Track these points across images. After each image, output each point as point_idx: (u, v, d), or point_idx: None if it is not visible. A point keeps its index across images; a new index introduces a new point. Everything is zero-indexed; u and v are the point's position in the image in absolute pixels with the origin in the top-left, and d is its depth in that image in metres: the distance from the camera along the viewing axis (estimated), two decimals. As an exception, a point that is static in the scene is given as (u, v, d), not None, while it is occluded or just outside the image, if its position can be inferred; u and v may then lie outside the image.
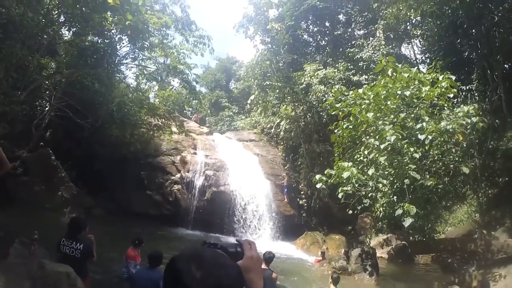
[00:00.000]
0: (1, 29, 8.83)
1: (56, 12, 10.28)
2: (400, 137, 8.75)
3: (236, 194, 16.69)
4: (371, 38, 19.25)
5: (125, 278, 6.90)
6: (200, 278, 0.95)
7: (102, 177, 14.35)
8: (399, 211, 8.34)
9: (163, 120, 16.83)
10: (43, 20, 9.24)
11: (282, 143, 20.63)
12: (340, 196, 9.79)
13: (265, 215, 16.67)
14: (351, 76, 17.48)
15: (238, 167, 17.78)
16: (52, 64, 12.59)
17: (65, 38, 13.26)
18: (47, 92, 13.20)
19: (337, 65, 18.40)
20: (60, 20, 10.73)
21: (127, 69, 18.14)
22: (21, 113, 9.83)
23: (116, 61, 14.05)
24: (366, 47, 18.47)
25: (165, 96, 18.19)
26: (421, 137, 8.41)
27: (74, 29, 12.01)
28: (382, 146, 9.03)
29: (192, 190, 16.71)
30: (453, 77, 8.86)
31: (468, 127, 8.08)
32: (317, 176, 9.77)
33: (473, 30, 12.64)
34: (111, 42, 12.83)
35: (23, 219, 8.10)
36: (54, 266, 4.20)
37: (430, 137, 8.12)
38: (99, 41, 12.93)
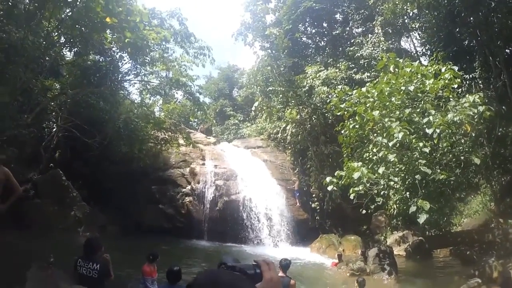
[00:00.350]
0: (3, 54, 9.01)
1: (56, 33, 10.48)
2: (408, 132, 8.66)
3: (247, 202, 16.65)
4: (369, 35, 19.19)
5: (143, 294, 6.89)
6: None
7: (114, 194, 14.47)
8: (413, 208, 8.22)
9: (170, 133, 16.95)
10: (44, 42, 9.42)
11: (289, 147, 20.57)
12: (352, 197, 9.68)
13: (278, 221, 16.58)
14: (353, 75, 17.40)
15: (247, 175, 17.77)
16: (56, 85, 12.82)
17: (67, 58, 13.51)
18: (53, 113, 13.44)
19: (338, 65, 18.35)
20: (61, 41, 10.95)
21: (130, 85, 18.46)
22: (29, 136, 9.99)
23: (119, 78, 14.26)
24: (365, 45, 18.40)
25: (170, 109, 18.37)
26: (429, 131, 8.30)
27: (75, 49, 12.25)
28: (390, 144, 8.93)
29: (203, 201, 16.73)
30: (456, 68, 8.75)
31: (475, 117, 7.96)
32: (328, 179, 9.69)
33: (471, 18, 12.49)
34: (112, 60, 13.04)
35: (38, 241, 8.17)
36: (72, 290, 4.20)
37: (438, 130, 8.01)
38: (101, 60, 13.15)
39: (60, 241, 9.40)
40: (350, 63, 18.19)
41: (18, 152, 7.35)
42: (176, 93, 19.78)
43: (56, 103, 12.55)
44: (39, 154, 12.27)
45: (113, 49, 12.00)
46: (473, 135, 8.72)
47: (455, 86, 8.76)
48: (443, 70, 8.75)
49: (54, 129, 13.48)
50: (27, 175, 10.57)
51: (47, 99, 11.48)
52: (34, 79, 9.90)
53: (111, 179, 14.29)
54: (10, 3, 9.41)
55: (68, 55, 13.72)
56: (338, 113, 11.62)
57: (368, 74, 16.69)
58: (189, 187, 17.19)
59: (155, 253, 7.29)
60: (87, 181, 14.01)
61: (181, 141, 17.51)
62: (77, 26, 9.07)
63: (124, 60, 13.80)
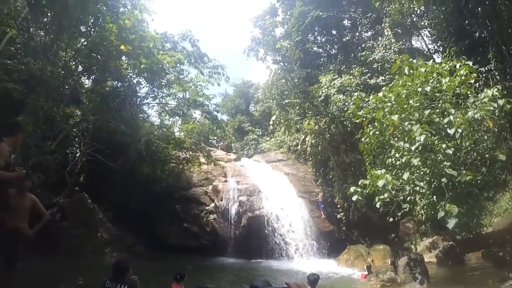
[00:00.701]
0: (24, 85, 9.56)
1: (74, 63, 11.07)
2: (429, 134, 8.41)
3: (271, 216, 16.53)
4: (380, 38, 19.02)
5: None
6: None
7: (140, 214, 14.74)
8: (441, 213, 7.89)
9: (191, 152, 17.23)
10: (63, 72, 9.94)
11: (310, 158, 20.38)
12: (378, 205, 9.40)
13: (304, 234, 16.32)
14: (368, 80, 17.21)
15: (270, 189, 17.72)
16: (77, 112, 13.42)
17: (86, 86, 14.17)
18: (76, 139, 14.01)
19: (351, 71, 18.24)
20: (79, 70, 11.51)
21: (149, 108, 19.03)
22: (53, 162, 10.45)
23: (138, 102, 14.76)
24: (377, 48, 18.22)
25: (189, 129, 18.75)
26: (451, 131, 8.02)
27: (93, 77, 12.83)
28: (413, 148, 8.69)
29: (228, 218, 16.75)
30: (470, 62, 8.50)
31: (495, 111, 7.63)
32: (352, 189, 9.47)
33: (479, 9, 12.14)
34: (130, 85, 13.54)
35: (66, 264, 8.40)
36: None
37: (459, 130, 7.73)
38: (119, 85, 13.69)
39: (87, 263, 9.63)
40: (363, 68, 18.03)
41: (43, 178, 7.69)
42: (194, 112, 20.25)
43: (78, 129, 13.09)
44: (64, 179, 12.75)
45: (130, 74, 12.46)
46: (496, 130, 8.34)
47: (472, 81, 8.48)
48: (457, 66, 8.52)
49: (78, 154, 14.02)
50: (53, 199, 10.98)
51: (69, 126, 12.01)
52: (55, 108, 10.43)
53: (136, 200, 14.60)
54: (27, 36, 10.03)
55: (87, 82, 14.40)
56: (357, 121, 11.45)
57: (383, 78, 16.48)
58: (212, 204, 17.29)
59: (182, 272, 7.29)
60: (112, 203, 14.37)
61: (202, 160, 17.74)
62: (93, 54, 9.55)
63: (142, 84, 14.34)
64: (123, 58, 10.18)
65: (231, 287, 10.65)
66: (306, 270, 12.32)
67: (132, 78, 13.44)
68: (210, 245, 16.01)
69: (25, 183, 5.42)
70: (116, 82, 13.85)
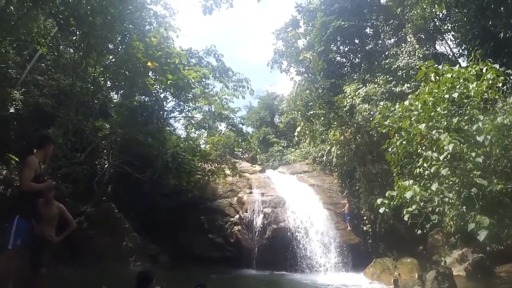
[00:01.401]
0: (54, 99, 10.18)
1: (102, 78, 11.63)
2: (458, 143, 8.11)
3: (296, 228, 16.34)
4: (403, 45, 18.64)
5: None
6: None
7: (165, 225, 15.05)
8: (471, 225, 7.51)
9: (216, 164, 17.46)
10: (92, 87, 10.48)
11: (336, 170, 20.06)
12: (406, 218, 9.07)
13: (329, 247, 15.97)
14: (393, 88, 16.81)
15: (295, 201, 17.54)
16: (106, 125, 13.96)
17: (115, 100, 14.80)
18: (105, 151, 14.56)
19: (376, 80, 17.93)
20: (107, 85, 12.09)
21: (175, 121, 19.53)
22: (82, 173, 10.98)
23: (165, 116, 15.28)
24: (400, 55, 17.85)
25: (215, 141, 19.06)
26: (480, 138, 7.69)
27: (122, 92, 13.42)
28: (441, 157, 8.38)
29: (252, 230, 16.71)
30: (497, 65, 8.16)
31: (525, 116, 7.26)
32: (378, 200, 9.20)
33: (502, 8, 11.70)
34: (157, 100, 14.06)
35: (91, 272, 8.70)
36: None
37: (488, 136, 7.40)
38: (146, 100, 14.26)
39: (112, 271, 9.90)
40: (388, 76, 17.67)
41: (72, 188, 8.10)
42: (220, 125, 20.58)
43: (106, 142, 13.60)
44: (92, 189, 13.27)
45: (157, 89, 12.95)
46: None
47: (500, 84, 8.13)
48: (484, 70, 8.21)
49: (106, 166, 14.51)
50: (81, 209, 11.46)
51: (98, 139, 12.56)
52: (85, 121, 10.99)
53: (161, 210, 14.94)
54: (57, 54, 10.71)
55: (115, 97, 15.04)
56: (383, 130, 11.21)
57: (408, 85, 16.08)
58: (237, 216, 17.33)
59: (203, 284, 7.28)
60: (138, 213, 14.77)
61: (227, 171, 17.92)
62: (120, 71, 10.03)
63: (168, 99, 14.85)
64: (150, 74, 10.56)
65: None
66: (331, 283, 12.06)
67: (159, 93, 13.96)
68: (234, 257, 15.98)
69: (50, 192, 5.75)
70: (143, 96, 14.42)
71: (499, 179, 7.75)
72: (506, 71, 10.27)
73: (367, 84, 17.76)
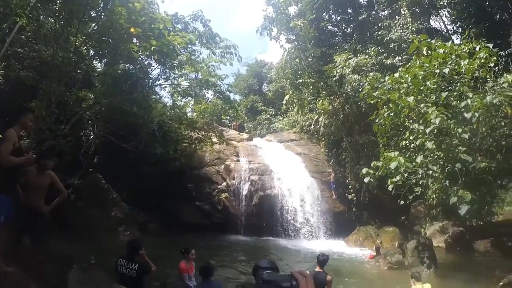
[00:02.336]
0: (36, 71, 9.67)
1: (85, 47, 11.03)
2: (446, 118, 8.18)
3: (283, 196, 16.70)
4: (397, 17, 18.27)
5: (182, 291, 7.11)
6: None
7: (153, 193, 15.09)
8: (453, 199, 7.78)
9: (203, 132, 17.30)
10: (74, 57, 9.89)
11: (323, 139, 20.23)
12: (390, 188, 9.32)
13: (314, 214, 16.47)
14: (384, 60, 16.69)
15: (282, 169, 17.78)
16: (90, 95, 13.49)
17: (98, 70, 14.17)
18: (90, 122, 14.18)
19: (367, 51, 17.70)
20: (90, 54, 11.48)
21: (161, 89, 19.00)
22: (67, 145, 10.69)
23: (150, 84, 14.75)
24: (394, 27, 17.55)
25: (202, 109, 18.74)
26: (468, 115, 7.78)
27: (105, 60, 12.80)
28: (427, 130, 8.50)
29: (239, 197, 16.99)
30: (490, 45, 8.11)
31: (515, 97, 7.33)
32: (364, 170, 9.41)
33: None
34: (141, 67, 13.48)
35: (81, 243, 8.74)
36: (111, 292, 4.48)
37: (476, 114, 7.48)
38: (131, 68, 13.65)
39: (101, 242, 10.01)
40: (379, 48, 17.46)
41: (58, 161, 7.91)
42: (207, 93, 20.16)
43: (91, 112, 13.22)
44: (78, 161, 13.07)
45: (141, 57, 12.40)
46: None
47: (492, 64, 8.12)
48: (477, 48, 8.14)
49: (91, 137, 14.24)
50: (68, 181, 11.30)
51: (82, 109, 12.16)
52: (68, 92, 10.51)
53: (149, 179, 14.92)
54: (37, 24, 10.02)
55: (99, 66, 14.40)
56: (372, 102, 11.22)
57: (400, 58, 15.98)
58: (224, 183, 17.51)
59: (187, 248, 7.43)
60: (126, 183, 14.71)
61: (214, 139, 17.83)
62: (103, 38, 9.49)
63: (153, 66, 14.23)
64: (134, 40, 10.05)
65: (239, 263, 10.89)
66: (316, 249, 12.51)
67: (144, 60, 13.36)
68: (221, 223, 16.36)
69: (46, 162, 5.59)
70: (127, 64, 13.80)
71: (483, 157, 7.96)
72: (499, 52, 10.23)
73: (358, 55, 17.50)
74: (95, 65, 13.94)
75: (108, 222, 11.82)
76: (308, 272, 1.19)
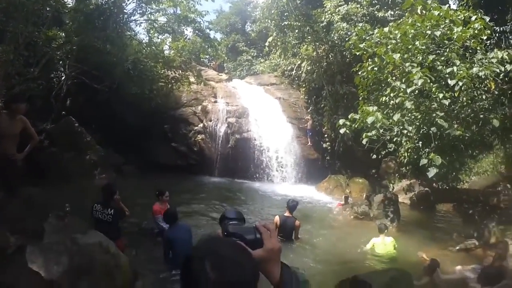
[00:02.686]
0: (1, 13, 8.64)
1: (54, -18, 9.85)
2: (429, 80, 8.19)
3: (259, 139, 16.87)
4: (396, -33, 17.11)
5: (156, 233, 7.28)
6: (214, 279, 0.94)
7: (128, 135, 14.75)
8: (424, 161, 8.13)
9: (180, 71, 16.63)
10: (43, -7, 8.89)
11: (304, 85, 19.97)
12: (364, 141, 9.56)
13: (289, 159, 16.91)
14: (376, 12, 16.01)
15: (260, 113, 17.72)
16: (61, 34, 12.45)
17: (69, 5, 12.80)
18: (61, 62, 13.23)
19: (359, 0, 16.82)
20: (61, -11, 10.28)
21: (137, 25, 17.60)
22: (38, 89, 9.99)
23: (124, 19, 13.63)
24: (391, -22, 16.54)
25: (180, 47, 17.63)
26: (451, 82, 7.82)
27: (76, -6, 11.51)
28: (409, 90, 8.51)
29: (215, 139, 17.02)
30: (487, 18, 7.89)
31: (501, 74, 7.38)
32: (341, 121, 9.48)
33: None
34: (115, 1, 12.28)
35: (56, 190, 8.62)
36: (86, 239, 4.49)
37: (460, 83, 7.52)
38: (103, 2, 12.36)
39: (76, 188, 9.90)
40: (373, -2, 16.59)
41: (28, 106, 7.39)
42: (186, 30, 18.94)
43: (62, 52, 12.25)
44: (50, 105, 12.32)
45: (116, -11, 11.19)
46: (496, 93, 8.20)
47: (484, 37, 7.98)
48: (473, 18, 7.91)
49: (63, 78, 13.34)
50: (40, 127, 10.72)
51: (52, 50, 11.20)
52: (36, 32, 9.64)
53: (124, 120, 14.42)
54: None
55: (69, 1, 12.99)
56: (357, 53, 10.93)
57: (392, 13, 15.38)
58: (201, 125, 17.36)
59: (160, 189, 7.56)
60: (100, 125, 14.19)
61: (192, 79, 17.22)
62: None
63: (128, 0, 13.00)
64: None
65: (213, 205, 11.19)
66: (287, 193, 13.05)
67: (118, -6, 12.11)
68: (197, 165, 16.56)
69: (18, 106, 5.22)
70: (101, -1, 12.50)
71: (459, 125, 8.20)
72: (494, 27, 9.96)
73: (349, 3, 16.62)
74: (65, 0, 12.56)
75: (83, 166, 11.58)
76: (272, 225, 1.20)
